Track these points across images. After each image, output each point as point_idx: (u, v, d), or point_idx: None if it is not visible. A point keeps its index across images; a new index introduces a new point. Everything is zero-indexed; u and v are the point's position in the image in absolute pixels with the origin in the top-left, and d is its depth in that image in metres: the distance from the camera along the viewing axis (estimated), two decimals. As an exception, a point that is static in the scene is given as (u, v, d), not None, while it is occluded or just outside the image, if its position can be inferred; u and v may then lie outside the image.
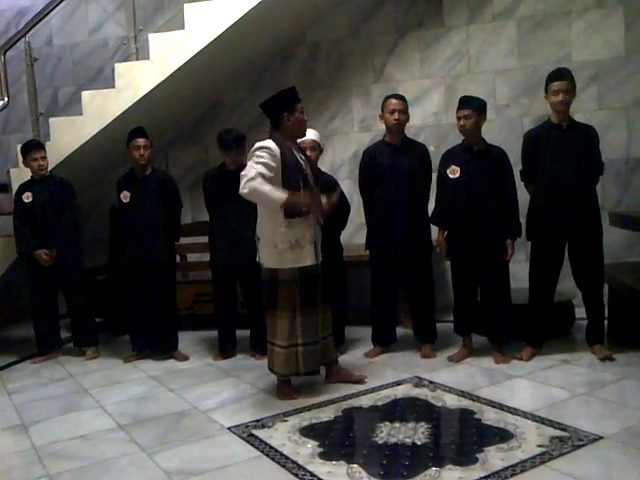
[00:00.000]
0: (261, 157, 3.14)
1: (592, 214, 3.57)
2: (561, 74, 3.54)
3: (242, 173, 3.15)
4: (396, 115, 3.77)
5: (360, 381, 3.46)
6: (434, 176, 3.89)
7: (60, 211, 4.35)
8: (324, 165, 5.08)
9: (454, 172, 3.67)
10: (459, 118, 3.62)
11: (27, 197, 4.34)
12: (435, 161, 3.90)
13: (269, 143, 3.19)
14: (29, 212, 4.33)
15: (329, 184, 3.94)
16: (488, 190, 3.62)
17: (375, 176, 3.87)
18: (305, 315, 3.26)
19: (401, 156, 3.82)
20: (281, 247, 3.21)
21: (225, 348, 4.20)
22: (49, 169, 4.43)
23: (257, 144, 3.21)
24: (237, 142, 3.99)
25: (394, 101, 3.80)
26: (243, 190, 3.11)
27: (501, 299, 3.69)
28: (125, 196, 4.20)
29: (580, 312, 3.94)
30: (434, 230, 3.87)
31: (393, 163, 3.81)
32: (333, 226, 3.88)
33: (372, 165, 3.89)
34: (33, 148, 4.30)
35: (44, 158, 4.33)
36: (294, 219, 3.19)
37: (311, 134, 3.77)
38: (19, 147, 4.74)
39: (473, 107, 3.60)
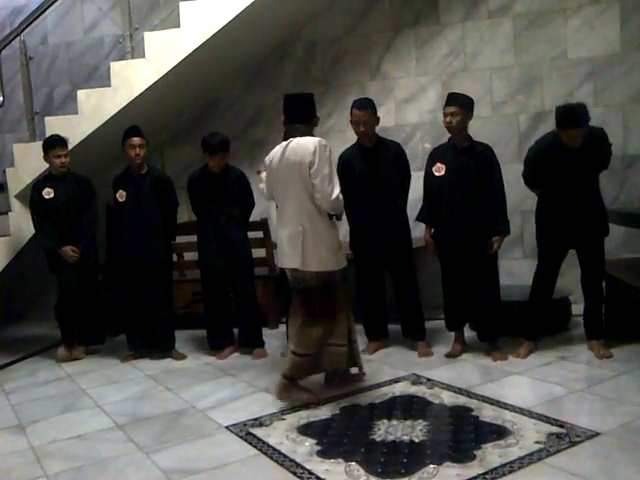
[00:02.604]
0: (330, 159, 3.11)
1: (600, 221, 3.60)
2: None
3: (327, 183, 3.05)
4: (361, 127, 3.78)
5: (359, 379, 3.46)
6: (418, 174, 3.91)
7: (83, 209, 4.33)
8: (321, 163, 5.08)
9: (439, 170, 3.69)
10: (445, 115, 3.64)
11: (48, 193, 4.27)
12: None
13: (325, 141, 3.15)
14: (51, 209, 4.28)
15: None
16: (473, 187, 3.63)
17: (352, 179, 3.87)
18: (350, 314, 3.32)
19: (374, 158, 3.85)
20: (335, 248, 3.17)
21: (217, 344, 4.21)
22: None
23: (321, 140, 3.09)
24: (222, 146, 3.99)
25: (358, 113, 3.77)
26: (337, 211, 3.18)
27: (489, 296, 3.70)
28: (121, 195, 4.20)
29: (577, 309, 3.95)
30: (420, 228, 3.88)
31: (368, 166, 3.84)
32: None
33: (348, 169, 3.88)
34: (57, 144, 4.25)
35: (66, 155, 4.28)
36: (334, 220, 3.23)
37: None
38: (15, 146, 4.75)
39: (459, 104, 3.61)
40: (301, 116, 3.23)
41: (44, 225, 4.28)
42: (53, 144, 4.26)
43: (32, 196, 4.34)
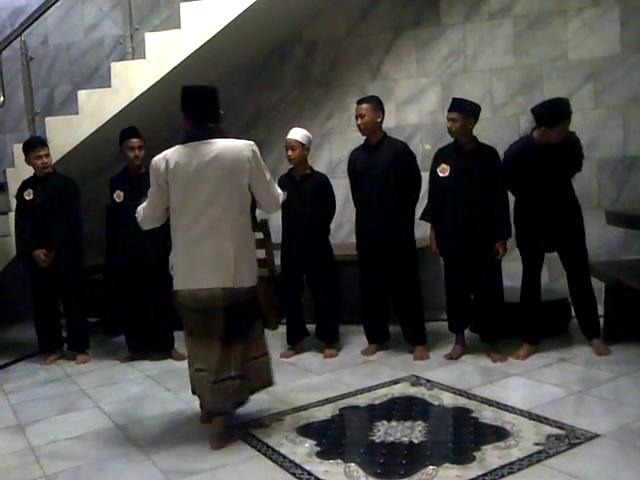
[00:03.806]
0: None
1: (576, 223, 3.61)
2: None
3: (272, 188, 2.93)
4: (358, 120, 3.82)
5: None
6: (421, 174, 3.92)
7: (61, 210, 4.30)
8: (321, 163, 5.10)
9: (444, 171, 3.70)
10: (447, 119, 3.67)
11: (28, 194, 4.29)
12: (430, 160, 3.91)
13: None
14: (29, 210, 4.28)
15: (320, 183, 3.99)
16: (476, 189, 3.63)
17: (355, 177, 3.95)
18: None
19: (374, 156, 3.86)
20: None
21: None
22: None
23: (254, 146, 2.84)
24: None
25: (356, 106, 3.85)
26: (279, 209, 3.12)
27: (491, 298, 3.70)
28: (118, 195, 4.19)
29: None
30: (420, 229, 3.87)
31: (367, 163, 3.86)
32: (321, 225, 4.00)
33: (352, 167, 3.98)
34: (37, 145, 4.25)
35: (47, 155, 4.27)
36: None
37: (296, 134, 3.90)
38: (15, 147, 4.74)
39: (460, 110, 3.61)
40: (210, 113, 2.81)
41: (24, 228, 4.27)
42: (33, 145, 4.26)
43: (17, 197, 4.35)
